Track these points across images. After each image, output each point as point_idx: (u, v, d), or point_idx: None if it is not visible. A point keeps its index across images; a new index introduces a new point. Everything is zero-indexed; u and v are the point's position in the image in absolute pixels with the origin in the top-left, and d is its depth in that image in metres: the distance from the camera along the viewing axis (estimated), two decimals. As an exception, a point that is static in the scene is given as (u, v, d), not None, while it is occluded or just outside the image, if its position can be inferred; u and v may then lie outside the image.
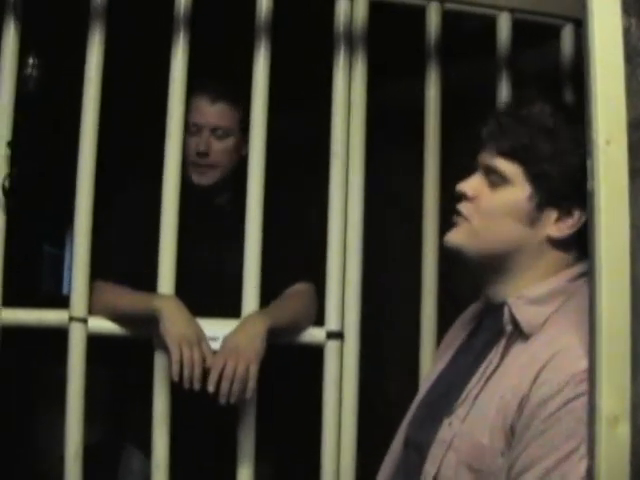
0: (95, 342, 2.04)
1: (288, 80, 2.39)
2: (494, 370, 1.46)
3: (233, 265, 2.17)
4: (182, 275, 2.06)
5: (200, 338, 1.96)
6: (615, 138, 1.26)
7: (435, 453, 1.47)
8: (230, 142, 2.35)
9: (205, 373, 1.94)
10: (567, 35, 2.26)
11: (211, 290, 2.29)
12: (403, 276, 2.61)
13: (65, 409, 2.00)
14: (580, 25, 1.37)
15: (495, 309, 1.53)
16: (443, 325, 1.97)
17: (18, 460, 3.62)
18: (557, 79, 2.26)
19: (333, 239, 2.11)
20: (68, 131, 2.18)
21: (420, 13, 2.21)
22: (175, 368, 1.92)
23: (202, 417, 2.25)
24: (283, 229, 2.31)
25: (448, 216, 1.60)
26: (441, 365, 1.68)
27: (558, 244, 1.49)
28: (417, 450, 1.54)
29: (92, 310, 2.05)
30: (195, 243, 2.21)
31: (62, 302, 2.07)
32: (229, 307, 2.06)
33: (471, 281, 1.65)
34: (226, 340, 1.98)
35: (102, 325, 2.06)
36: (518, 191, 1.49)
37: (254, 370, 1.95)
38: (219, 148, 2.33)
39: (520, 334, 1.46)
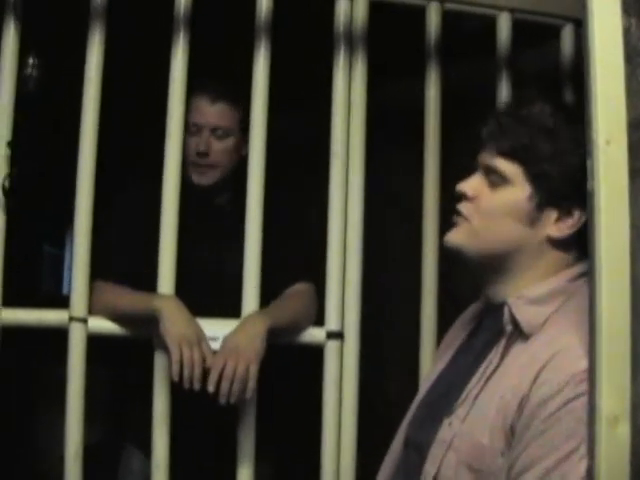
0: (95, 342, 2.04)
1: (288, 80, 2.39)
2: (494, 370, 1.46)
3: (233, 265, 2.17)
4: (182, 275, 2.06)
5: (200, 338, 1.96)
6: (615, 138, 1.26)
7: (435, 453, 1.47)
8: (230, 142, 2.35)
9: (205, 373, 1.94)
10: (567, 35, 2.26)
11: (211, 290, 2.29)
12: (403, 276, 2.61)
13: (65, 409, 2.00)
14: (580, 25, 1.37)
15: (495, 309, 1.53)
16: (443, 325, 1.97)
17: (18, 460, 3.62)
18: (557, 79, 2.26)
19: (333, 239, 2.11)
20: (68, 131, 2.18)
21: (420, 13, 2.21)
22: (175, 368, 1.92)
23: (202, 417, 2.25)
24: (283, 229, 2.31)
25: (448, 216, 1.60)
26: (441, 365, 1.68)
27: (558, 244, 1.49)
28: (417, 450, 1.54)
29: (92, 310, 2.05)
30: (195, 243, 2.21)
31: (62, 302, 2.07)
32: (229, 307, 2.06)
33: (471, 281, 1.65)
34: (226, 340, 1.98)
35: (102, 325, 2.06)
36: (518, 191, 1.49)
37: (254, 370, 1.95)
38: (219, 148, 2.33)
39: (520, 334, 1.46)
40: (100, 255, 2.08)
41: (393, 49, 2.68)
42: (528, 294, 1.48)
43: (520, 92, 2.10)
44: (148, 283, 2.06)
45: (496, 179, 1.51)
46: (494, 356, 1.48)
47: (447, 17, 2.21)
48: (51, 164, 3.89)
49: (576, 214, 1.46)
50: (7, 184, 1.94)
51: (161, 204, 2.04)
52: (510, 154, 1.49)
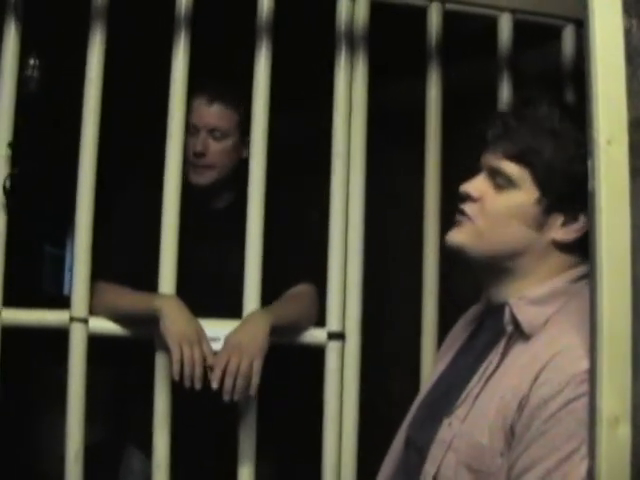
0: (96, 342, 2.04)
1: (289, 80, 2.39)
2: (494, 370, 1.46)
3: (234, 266, 2.17)
4: (183, 276, 2.06)
5: (201, 337, 1.96)
6: (616, 138, 1.26)
7: (435, 453, 1.47)
8: (228, 143, 2.35)
9: (206, 372, 1.93)
10: (568, 36, 2.26)
11: (212, 291, 2.29)
12: (404, 276, 2.61)
13: (66, 410, 2.00)
14: (581, 26, 1.37)
15: (496, 310, 1.53)
16: (444, 325, 1.97)
17: (19, 460, 3.62)
18: (558, 80, 2.26)
19: (334, 239, 2.12)
20: (69, 132, 2.18)
21: (421, 13, 2.21)
22: (175, 367, 1.92)
23: (203, 417, 2.25)
24: (284, 230, 2.31)
25: (449, 217, 1.60)
26: (442, 366, 1.68)
27: (562, 247, 1.49)
28: (417, 450, 1.54)
29: (93, 311, 2.05)
30: (195, 244, 2.21)
31: (63, 302, 2.07)
32: (230, 308, 2.06)
33: (472, 282, 1.65)
34: (229, 337, 1.98)
35: (103, 325, 2.06)
36: (525, 195, 1.48)
37: (258, 366, 1.95)
38: (216, 149, 2.34)
39: (521, 334, 1.46)
40: (101, 256, 2.08)
41: (394, 49, 2.68)
42: (529, 295, 1.48)
43: (521, 92, 2.10)
44: (149, 284, 2.06)
45: (502, 181, 1.50)
46: (494, 356, 1.48)
47: (448, 17, 2.21)
48: (52, 164, 3.88)
49: (582, 219, 1.45)
50: (8, 184, 1.94)
51: (162, 205, 2.05)
52: (517, 157, 1.48)
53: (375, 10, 2.16)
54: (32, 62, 3.83)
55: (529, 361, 1.39)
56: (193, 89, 2.15)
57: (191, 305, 2.02)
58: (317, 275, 2.23)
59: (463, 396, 1.48)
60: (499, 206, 1.50)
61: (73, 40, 2.24)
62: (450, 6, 2.21)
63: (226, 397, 1.93)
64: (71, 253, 2.75)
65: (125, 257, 2.28)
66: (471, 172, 1.56)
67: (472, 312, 1.73)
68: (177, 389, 1.98)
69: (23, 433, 3.82)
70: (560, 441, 1.30)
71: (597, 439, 1.24)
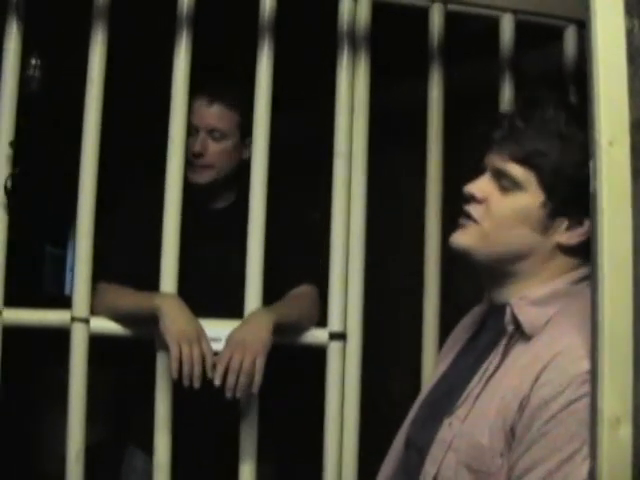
0: (97, 342, 2.04)
1: (291, 80, 2.39)
2: (495, 370, 1.46)
3: (234, 266, 2.17)
4: (183, 276, 2.06)
5: (200, 336, 1.96)
6: (618, 139, 1.26)
7: (435, 453, 1.47)
8: (227, 144, 2.35)
9: (205, 371, 1.93)
10: (570, 36, 2.26)
11: (212, 291, 2.29)
12: (405, 277, 2.61)
13: (67, 409, 2.00)
14: (583, 26, 1.37)
15: (498, 310, 1.53)
16: (445, 326, 1.97)
17: (20, 460, 3.62)
18: (560, 80, 2.26)
19: (336, 239, 2.12)
20: (70, 132, 2.18)
21: (423, 14, 2.21)
22: (174, 365, 1.91)
23: (204, 417, 2.25)
24: (286, 230, 2.31)
25: (451, 217, 1.60)
26: (443, 366, 1.68)
27: (566, 250, 1.49)
28: (417, 450, 1.54)
29: (95, 311, 2.05)
30: (196, 244, 2.21)
31: (64, 302, 2.07)
32: (230, 308, 2.06)
33: (474, 282, 1.65)
34: (232, 334, 1.98)
35: (104, 325, 2.06)
36: (530, 198, 1.48)
37: (260, 364, 1.95)
38: (215, 150, 2.34)
39: (522, 335, 1.46)
40: (102, 257, 2.08)
41: (396, 50, 2.68)
42: (530, 295, 1.48)
43: (524, 93, 2.09)
44: (150, 284, 2.06)
45: (507, 184, 1.50)
46: (495, 356, 1.48)
47: (450, 18, 2.21)
48: (53, 164, 3.89)
49: (586, 223, 1.44)
50: (9, 184, 1.94)
51: (163, 205, 2.05)
52: (524, 160, 1.47)
53: (377, 10, 2.17)
54: (34, 62, 3.83)
55: (530, 361, 1.39)
56: (194, 89, 2.15)
57: (191, 305, 2.01)
58: (318, 275, 2.23)
59: (464, 396, 1.48)
60: (504, 209, 1.49)
61: (75, 40, 2.24)
62: (452, 6, 2.21)
63: (228, 394, 1.93)
64: (72, 253, 2.75)
65: (126, 257, 2.28)
66: (473, 172, 1.56)
67: (474, 313, 1.72)
68: (178, 389, 1.98)
69: (24, 433, 3.82)
70: (561, 442, 1.29)
71: (598, 440, 1.24)
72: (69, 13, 2.55)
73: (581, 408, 1.29)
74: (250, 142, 2.20)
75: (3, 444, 3.41)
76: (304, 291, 2.29)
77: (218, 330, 2.00)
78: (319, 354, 2.11)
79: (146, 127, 3.08)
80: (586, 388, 1.29)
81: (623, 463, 1.23)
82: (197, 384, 1.91)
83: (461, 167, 1.64)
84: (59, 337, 2.02)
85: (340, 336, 2.10)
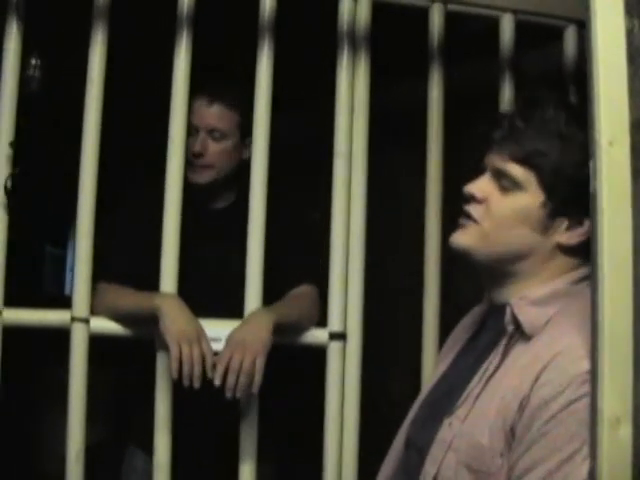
0: (97, 342, 2.04)
1: (291, 80, 2.39)
2: (495, 370, 1.46)
3: (234, 266, 2.17)
4: (183, 276, 2.06)
5: (200, 336, 1.96)
6: (618, 139, 1.26)
7: (435, 453, 1.47)
8: (227, 144, 2.35)
9: (205, 371, 1.93)
10: (570, 36, 2.26)
11: (212, 291, 2.29)
12: (405, 277, 2.61)
13: (67, 409, 2.00)
14: (583, 26, 1.37)
15: (498, 310, 1.53)
16: (445, 326, 1.97)
17: (20, 460, 3.62)
18: (560, 80, 2.26)
19: (336, 239, 2.12)
20: (70, 132, 2.18)
21: (423, 14, 2.21)
22: (174, 365, 1.91)
23: (204, 417, 2.25)
24: (286, 230, 2.31)
25: (451, 217, 1.60)
26: (443, 366, 1.68)
27: (566, 250, 1.49)
28: (417, 450, 1.54)
29: (95, 311, 2.05)
30: (196, 244, 2.21)
31: (64, 302, 2.07)
32: (230, 308, 2.06)
33: (474, 282, 1.65)
34: (232, 334, 1.98)
35: (104, 325, 2.06)
36: (530, 198, 1.48)
37: (260, 364, 1.95)
38: (215, 150, 2.34)
39: (522, 335, 1.46)
40: (102, 257, 2.08)
41: (396, 50, 2.68)
42: (530, 295, 1.48)
43: (524, 93, 2.09)
44: (150, 284, 2.06)
45: (507, 184, 1.50)
46: (495, 356, 1.48)
47: (450, 18, 2.21)
48: (53, 164, 3.89)
49: (586, 223, 1.44)
50: (9, 184, 1.94)
51: (163, 205, 2.05)
52: (524, 160, 1.47)
53: (377, 10, 2.17)
54: (34, 62, 3.83)
55: (530, 361, 1.39)
56: (194, 89, 2.15)
57: (192, 305, 2.01)
58: (318, 275, 2.23)
59: (464, 396, 1.48)
60: (504, 209, 1.50)
61: (75, 40, 2.24)
62: (452, 7, 2.21)
63: (228, 394, 1.93)
64: (72, 253, 2.76)
65: (126, 257, 2.28)
66: (473, 172, 1.56)
67: (474, 312, 1.72)
68: (178, 389, 1.98)
69: (24, 433, 3.82)
70: (561, 442, 1.29)
71: (598, 440, 1.24)
72: (69, 13, 2.55)
73: (581, 408, 1.29)
74: (250, 142, 2.20)
75: (3, 444, 3.42)
76: (304, 291, 2.29)
77: (218, 330, 2.00)
78: (319, 354, 2.11)
79: (146, 127, 3.07)
80: (586, 388, 1.29)
81: (623, 463, 1.23)
82: (197, 384, 1.91)
83: (461, 167, 1.64)
84: (59, 337, 2.02)
85: (340, 336, 2.10)
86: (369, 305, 2.15)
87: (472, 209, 1.52)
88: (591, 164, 1.27)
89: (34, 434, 3.87)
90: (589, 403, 1.28)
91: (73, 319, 2.01)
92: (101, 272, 2.11)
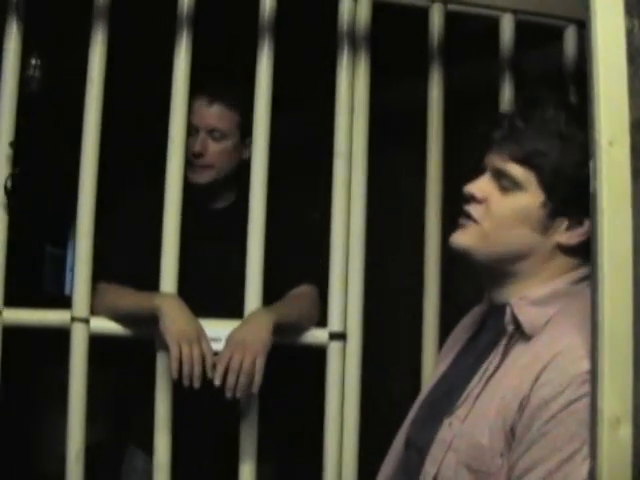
0: (97, 342, 2.04)
1: (291, 80, 2.39)
2: (495, 370, 1.46)
3: (234, 266, 2.17)
4: (183, 276, 2.06)
5: (200, 336, 1.96)
6: (618, 139, 1.26)
7: (435, 453, 1.47)
8: (227, 144, 2.35)
9: (205, 371, 1.93)
10: (570, 36, 2.26)
11: (212, 291, 2.29)
12: (405, 277, 2.61)
13: (67, 410, 2.00)
14: (583, 26, 1.37)
15: (498, 310, 1.53)
16: (445, 326, 1.97)
17: (20, 460, 3.62)
18: (560, 80, 2.26)
19: (336, 239, 2.12)
20: (70, 132, 2.18)
21: (423, 14, 2.21)
22: (174, 365, 1.91)
23: (204, 417, 2.25)
24: (286, 230, 2.31)
25: (451, 217, 1.60)
26: (443, 366, 1.68)
27: (566, 250, 1.49)
28: (417, 450, 1.54)
29: (95, 311, 2.05)
30: (196, 244, 2.21)
31: (64, 302, 2.07)
32: (230, 308, 2.06)
33: (474, 282, 1.65)
34: (232, 334, 1.98)
35: (104, 325, 2.06)
36: (530, 198, 1.48)
37: (260, 364, 1.95)
38: (215, 150, 2.34)
39: (522, 335, 1.46)
40: (102, 257, 2.08)
41: (396, 50, 2.68)
42: (530, 295, 1.48)
43: (524, 93, 2.09)
44: (150, 284, 2.05)
45: (507, 184, 1.50)
46: (495, 356, 1.48)
47: (450, 18, 2.21)
48: (53, 164, 3.89)
49: (586, 223, 1.44)
50: (9, 184, 1.94)
51: (163, 205, 2.05)
52: (524, 160, 1.47)
53: (377, 10, 2.16)
54: (34, 62, 3.83)
55: (530, 361, 1.39)
56: (194, 89, 2.15)
57: (192, 305, 2.01)
58: (318, 275, 2.23)
59: (464, 396, 1.48)
60: (504, 209, 1.50)
61: (75, 40, 2.24)
62: (452, 7, 2.21)
63: (228, 394, 1.93)
64: (72, 253, 2.76)
65: (126, 257, 2.28)
66: (473, 172, 1.56)
67: (474, 312, 1.72)
68: (178, 389, 1.98)
69: (24, 433, 3.82)
70: (561, 442, 1.29)
71: (598, 440, 1.24)
72: (69, 13, 2.55)
73: (581, 408, 1.29)
74: (250, 142, 2.20)
75: (3, 444, 3.42)
76: (304, 291, 2.29)
77: (218, 330, 2.00)
78: (319, 354, 2.11)
79: (146, 127, 3.07)
80: (586, 388, 1.29)
81: (623, 463, 1.23)
82: (197, 384, 1.91)
83: (461, 167, 1.64)
84: (59, 337, 2.02)
85: (340, 336, 2.10)
86: (369, 305, 2.15)
87: (472, 209, 1.53)
88: (591, 164, 1.27)
89: (34, 434, 3.87)
90: (589, 403, 1.28)
91: (73, 319, 2.01)
92: (101, 272, 2.11)
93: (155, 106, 2.33)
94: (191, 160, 2.30)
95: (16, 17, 1.95)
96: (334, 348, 2.10)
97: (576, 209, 1.45)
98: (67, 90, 2.59)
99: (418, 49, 2.23)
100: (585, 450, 1.27)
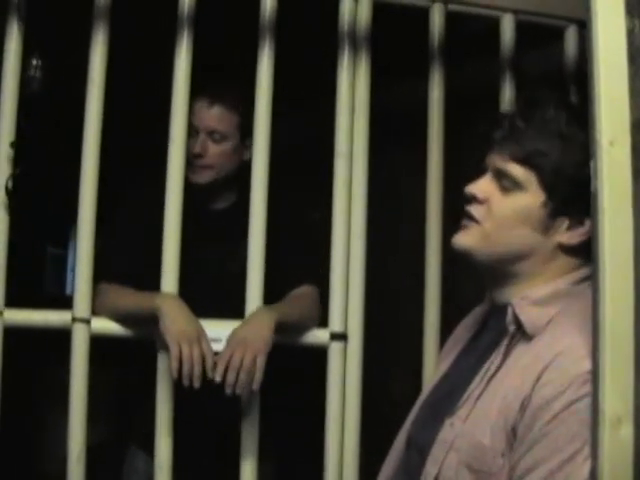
0: (98, 343, 2.04)
1: (292, 80, 2.39)
2: (496, 370, 1.46)
3: (235, 267, 2.17)
4: (184, 276, 2.06)
5: (200, 335, 1.96)
6: (619, 139, 1.26)
7: (436, 454, 1.47)
8: (227, 145, 2.35)
9: (205, 371, 1.93)
10: (571, 36, 2.26)
11: (212, 292, 2.29)
12: (406, 277, 2.61)
13: (68, 410, 2.00)
14: (584, 26, 1.37)
15: (499, 310, 1.53)
16: (446, 326, 1.97)
17: (21, 461, 3.62)
18: (561, 80, 2.26)
19: (337, 240, 2.11)
20: (71, 132, 2.18)
21: (424, 14, 2.21)
22: (174, 365, 1.91)
23: (205, 417, 2.25)
24: (286, 231, 2.31)
25: (451, 217, 1.60)
26: (445, 366, 1.68)
27: (568, 250, 1.49)
28: (418, 450, 1.54)
29: (96, 312, 2.05)
30: (196, 244, 2.21)
31: (65, 303, 2.07)
32: (230, 309, 2.06)
33: (474, 282, 1.65)
34: (234, 332, 1.98)
35: (105, 326, 2.06)
36: (531, 198, 1.48)
37: (261, 362, 1.94)
38: (215, 151, 2.34)
39: (523, 335, 1.46)
40: (103, 257, 2.08)
41: (397, 50, 2.68)
42: (532, 295, 1.48)
43: (525, 93, 2.09)
44: (151, 284, 2.05)
45: (508, 184, 1.50)
46: (496, 356, 1.48)
47: (450, 18, 2.21)
48: (54, 165, 3.89)
49: (587, 223, 1.44)
50: (10, 184, 1.94)
51: (164, 205, 2.05)
52: (524, 160, 1.47)
53: (378, 10, 2.16)
54: (34, 62, 3.83)
55: (531, 361, 1.39)
56: (195, 90, 2.15)
57: (192, 306, 2.01)
58: (319, 276, 2.23)
59: (465, 396, 1.48)
60: (505, 209, 1.50)
61: (75, 40, 2.24)
62: (452, 7, 2.21)
63: (228, 391, 1.92)
64: (73, 253, 2.76)
65: (127, 258, 2.28)
66: (474, 173, 1.56)
67: (476, 312, 1.72)
68: (179, 389, 1.98)
69: (25, 434, 3.82)
70: (563, 442, 1.29)
71: (600, 440, 1.24)
72: (70, 13, 2.55)
73: (582, 408, 1.29)
74: (250, 143, 2.20)
75: (4, 445, 3.42)
76: (305, 292, 2.29)
77: (219, 330, 2.00)
78: (320, 354, 2.11)
79: (147, 127, 3.07)
80: (587, 388, 1.29)
81: (624, 463, 1.23)
82: (197, 384, 1.91)
83: (462, 167, 1.64)
84: (60, 337, 2.02)
85: (341, 336, 2.10)
86: (370, 305, 2.15)
87: (473, 210, 1.53)
88: (592, 164, 1.27)
89: (35, 435, 3.86)
90: (590, 403, 1.28)
91: (74, 319, 2.00)
92: (102, 272, 2.11)
93: (155, 106, 2.33)
94: (191, 161, 2.30)
95: (17, 17, 1.95)
96: (335, 348, 2.10)
97: (577, 209, 1.45)
98: (68, 90, 2.60)
99: (419, 49, 2.23)
100: (586, 450, 1.27)
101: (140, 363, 2.21)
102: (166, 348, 1.96)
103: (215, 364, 1.93)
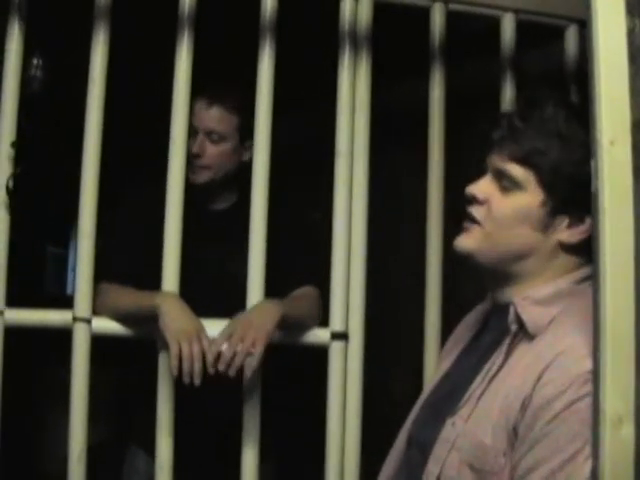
0: (99, 342, 2.04)
1: (292, 80, 2.39)
2: (498, 370, 1.46)
3: (235, 267, 2.17)
4: (184, 276, 2.06)
5: (200, 333, 1.95)
6: (619, 138, 1.26)
7: (438, 453, 1.47)
8: (226, 146, 2.36)
9: (205, 369, 1.92)
10: (571, 36, 2.26)
11: (212, 292, 2.29)
12: (407, 277, 2.61)
13: (69, 410, 2.00)
14: (584, 26, 1.37)
15: (501, 310, 1.53)
16: (447, 326, 1.97)
17: (21, 461, 3.62)
18: (561, 80, 2.26)
19: (338, 239, 2.11)
20: (72, 132, 2.18)
21: (424, 13, 2.21)
22: (174, 362, 1.91)
23: (206, 416, 2.25)
24: (287, 231, 2.31)
25: (452, 217, 1.60)
26: (446, 365, 1.68)
27: (568, 249, 1.49)
28: (420, 450, 1.54)
29: (96, 311, 2.05)
30: (196, 245, 2.21)
31: (66, 302, 2.07)
32: (231, 309, 2.05)
33: (475, 282, 1.65)
34: (239, 316, 1.97)
35: (106, 325, 2.06)
36: (530, 197, 1.48)
37: (260, 348, 1.93)
38: (213, 152, 2.34)
39: (525, 334, 1.46)
40: (104, 257, 2.08)
41: (397, 49, 2.68)
42: (534, 295, 1.48)
43: (525, 93, 2.09)
44: (152, 284, 2.05)
45: (508, 184, 1.50)
46: (498, 356, 1.48)
47: (451, 17, 2.21)
48: (55, 164, 3.89)
49: (587, 221, 1.44)
50: (11, 184, 1.94)
51: (164, 205, 2.05)
52: (523, 159, 1.48)
53: (378, 10, 2.16)
54: (35, 62, 3.83)
55: (533, 361, 1.39)
56: (195, 91, 2.15)
57: (193, 306, 2.01)
58: (320, 276, 2.23)
59: (466, 396, 1.48)
60: (505, 209, 1.50)
61: (76, 40, 2.24)
62: (453, 6, 2.21)
63: (221, 367, 1.91)
64: (74, 253, 2.76)
65: (128, 257, 2.29)
66: (475, 173, 1.56)
67: (477, 312, 1.72)
68: (180, 388, 1.97)
69: (26, 433, 3.82)
70: (564, 442, 1.30)
71: (600, 439, 1.24)
72: (71, 13, 2.55)
73: (583, 408, 1.29)
74: (250, 145, 2.20)
75: (5, 444, 3.42)
76: (306, 292, 2.29)
77: (219, 330, 2.00)
78: (321, 354, 2.11)
79: (147, 127, 3.08)
80: (588, 387, 1.29)
81: (625, 462, 1.23)
82: (197, 381, 1.91)
83: (462, 167, 1.64)
84: (61, 337, 2.02)
85: (342, 336, 2.10)
86: (371, 305, 2.15)
87: (474, 210, 1.53)
88: (592, 163, 1.27)
89: (36, 434, 3.86)
90: (591, 403, 1.28)
91: (75, 319, 2.01)
92: (103, 272, 2.11)
93: (156, 106, 2.33)
94: (190, 161, 2.30)
95: (18, 17, 1.95)
96: (336, 348, 2.10)
97: (576, 207, 1.45)
98: (69, 90, 2.60)
99: (419, 49, 2.23)
100: (587, 450, 1.27)
101: (141, 363, 2.21)
102: (166, 347, 1.96)
103: (217, 358, 1.92)
